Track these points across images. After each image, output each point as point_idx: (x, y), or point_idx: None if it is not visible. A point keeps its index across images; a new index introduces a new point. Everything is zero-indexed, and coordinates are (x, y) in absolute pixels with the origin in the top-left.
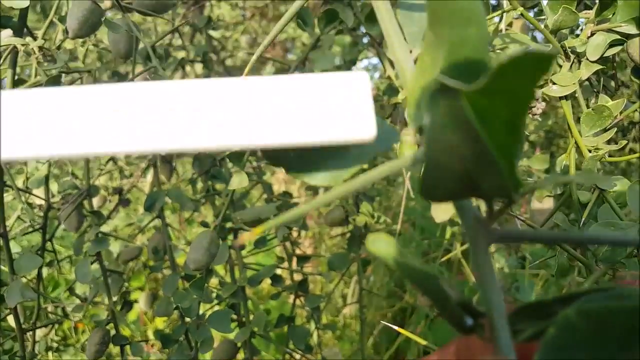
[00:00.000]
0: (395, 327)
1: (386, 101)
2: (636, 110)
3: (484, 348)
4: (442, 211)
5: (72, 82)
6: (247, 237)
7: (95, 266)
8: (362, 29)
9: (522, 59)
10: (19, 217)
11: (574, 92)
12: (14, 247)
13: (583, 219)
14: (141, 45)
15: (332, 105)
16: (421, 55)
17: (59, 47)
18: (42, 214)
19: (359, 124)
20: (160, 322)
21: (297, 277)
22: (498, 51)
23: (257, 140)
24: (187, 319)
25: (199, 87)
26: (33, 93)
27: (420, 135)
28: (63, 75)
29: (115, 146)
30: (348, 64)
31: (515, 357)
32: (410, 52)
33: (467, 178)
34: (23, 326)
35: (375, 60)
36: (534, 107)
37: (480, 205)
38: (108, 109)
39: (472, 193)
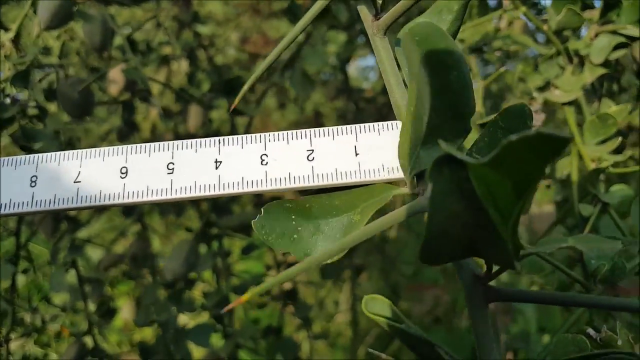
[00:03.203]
0: (383, 356)
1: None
2: (636, 115)
3: None
4: None
5: (44, 77)
6: (239, 302)
7: (73, 273)
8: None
9: (534, 139)
10: None
11: (578, 97)
12: None
13: (586, 233)
14: (119, 40)
15: (374, 150)
16: (408, 105)
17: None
18: (16, 218)
19: (395, 166)
20: (148, 330)
21: (287, 285)
22: (497, 54)
23: (318, 181)
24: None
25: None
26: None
27: (417, 186)
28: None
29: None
30: (343, 62)
31: None
32: None
33: (469, 243)
34: None
35: (371, 61)
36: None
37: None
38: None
39: (472, 255)
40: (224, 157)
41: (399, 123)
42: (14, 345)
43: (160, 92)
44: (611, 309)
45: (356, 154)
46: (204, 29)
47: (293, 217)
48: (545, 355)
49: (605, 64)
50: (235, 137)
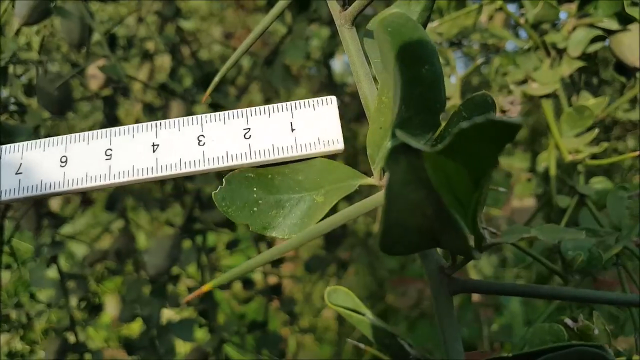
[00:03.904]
0: (362, 345)
1: None
2: (618, 107)
3: None
4: None
5: (24, 72)
6: (193, 296)
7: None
8: None
9: (485, 126)
10: None
11: (556, 89)
12: None
13: (563, 224)
14: (97, 36)
15: (309, 125)
16: (379, 95)
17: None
18: None
19: (331, 139)
20: (136, 326)
21: (272, 280)
22: (475, 47)
23: (255, 158)
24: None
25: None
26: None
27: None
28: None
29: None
30: (326, 57)
31: None
32: (377, 83)
33: (429, 233)
34: None
35: None
36: (508, 110)
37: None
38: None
39: (434, 246)
40: (161, 141)
41: (334, 98)
42: None
43: (143, 87)
44: (573, 299)
45: (292, 130)
46: (187, 24)
47: (255, 189)
48: (524, 345)
49: (584, 57)
50: (171, 120)
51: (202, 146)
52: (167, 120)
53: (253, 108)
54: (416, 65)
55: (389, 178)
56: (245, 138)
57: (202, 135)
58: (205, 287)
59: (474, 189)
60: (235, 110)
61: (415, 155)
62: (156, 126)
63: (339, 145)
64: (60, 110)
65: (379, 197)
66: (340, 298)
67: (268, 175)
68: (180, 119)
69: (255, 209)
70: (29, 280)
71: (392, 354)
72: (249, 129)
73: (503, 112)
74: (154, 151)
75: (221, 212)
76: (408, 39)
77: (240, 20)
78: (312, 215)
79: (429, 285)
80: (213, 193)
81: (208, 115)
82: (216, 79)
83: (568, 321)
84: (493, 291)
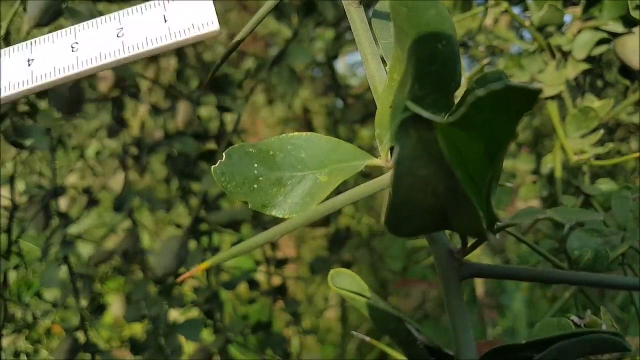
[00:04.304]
0: (367, 338)
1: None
2: (622, 110)
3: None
4: None
5: None
6: (189, 275)
7: (65, 269)
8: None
9: (503, 93)
10: None
11: (561, 91)
12: None
13: (568, 225)
14: None
15: (182, 14)
16: (390, 72)
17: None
18: (7, 214)
19: (204, 21)
20: (138, 325)
21: (276, 280)
22: (480, 49)
23: (128, 53)
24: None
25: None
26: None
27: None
28: None
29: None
30: (330, 59)
31: None
32: (385, 65)
33: (438, 213)
34: None
35: (359, 57)
36: None
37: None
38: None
39: (444, 227)
40: (35, 55)
41: None
42: (4, 341)
43: (149, 88)
44: (580, 283)
45: (165, 21)
46: None
47: (255, 165)
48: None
49: (588, 59)
50: (45, 35)
51: (75, 52)
52: (40, 37)
53: (125, 9)
54: (432, 40)
55: (398, 153)
56: (118, 37)
57: (76, 43)
58: (202, 266)
59: (489, 164)
60: (107, 15)
61: (427, 127)
62: (31, 44)
63: (213, 26)
64: (71, 110)
65: (385, 179)
66: (344, 281)
67: (269, 151)
68: (54, 32)
69: (255, 185)
70: (31, 280)
71: (399, 340)
72: (122, 28)
73: None
74: (29, 65)
75: (226, 214)
76: (425, 11)
77: (244, 22)
78: (314, 195)
79: (432, 287)
80: (212, 167)
81: (81, 24)
82: (219, 61)
83: (574, 318)
84: (503, 275)
